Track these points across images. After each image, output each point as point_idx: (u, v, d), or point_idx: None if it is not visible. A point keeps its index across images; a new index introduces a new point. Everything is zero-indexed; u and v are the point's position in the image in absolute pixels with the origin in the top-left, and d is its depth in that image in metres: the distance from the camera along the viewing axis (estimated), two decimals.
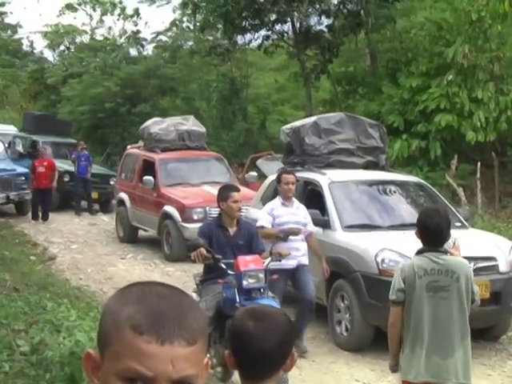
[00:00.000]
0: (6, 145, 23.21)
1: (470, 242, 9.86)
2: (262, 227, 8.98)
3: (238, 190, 8.21)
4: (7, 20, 53.21)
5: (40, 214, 20.61)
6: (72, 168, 22.64)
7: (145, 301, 1.48)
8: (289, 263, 8.82)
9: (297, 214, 9.29)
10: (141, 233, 17.79)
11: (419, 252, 5.46)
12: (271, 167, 15.24)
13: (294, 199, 9.39)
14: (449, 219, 5.54)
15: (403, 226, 9.66)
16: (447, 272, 5.30)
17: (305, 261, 9.16)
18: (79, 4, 47.15)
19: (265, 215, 9.22)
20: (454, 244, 5.67)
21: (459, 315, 5.35)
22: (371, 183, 11.28)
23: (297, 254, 8.99)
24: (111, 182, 21.88)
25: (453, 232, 10.06)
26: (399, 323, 5.47)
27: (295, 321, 8.91)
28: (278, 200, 9.34)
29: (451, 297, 5.32)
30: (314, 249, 9.43)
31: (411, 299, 5.36)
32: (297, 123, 12.86)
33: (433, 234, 5.36)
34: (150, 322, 1.44)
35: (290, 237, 8.95)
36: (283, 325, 2.54)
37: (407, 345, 5.44)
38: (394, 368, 5.67)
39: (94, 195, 22.47)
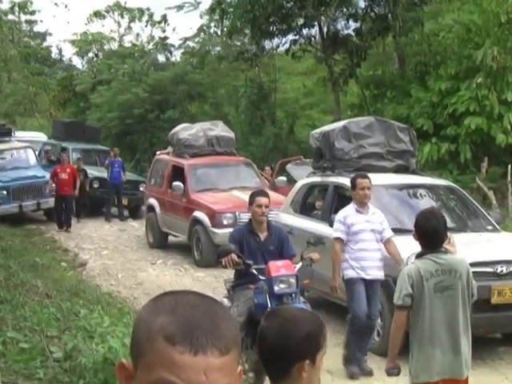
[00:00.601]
0: (37, 152, 23.40)
1: (501, 246, 9.82)
2: (339, 239, 8.66)
3: (264, 195, 8.15)
4: (36, 28, 53.86)
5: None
6: (102, 174, 22.75)
7: (177, 311, 1.47)
8: (367, 272, 8.61)
9: (372, 221, 8.75)
10: (171, 238, 17.85)
11: (420, 255, 5.57)
12: (301, 172, 15.19)
13: (369, 205, 8.88)
14: (445, 220, 5.65)
15: None
16: (450, 271, 5.43)
17: (380, 275, 8.71)
18: (107, 11, 47.57)
19: (338, 225, 8.74)
20: (450, 240, 5.73)
21: (463, 311, 5.48)
22: (401, 187, 11.24)
23: (373, 264, 8.64)
24: (141, 188, 21.97)
25: (484, 235, 10.11)
26: (404, 327, 5.57)
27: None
28: (351, 207, 8.84)
29: (456, 294, 5.45)
30: (394, 255, 8.77)
31: (420, 303, 5.46)
32: (326, 127, 12.82)
33: (431, 236, 5.47)
34: (183, 333, 1.43)
35: (364, 245, 8.64)
36: (295, 329, 2.56)
37: (416, 347, 5.53)
38: (390, 371, 5.78)
39: (124, 201, 22.53)
